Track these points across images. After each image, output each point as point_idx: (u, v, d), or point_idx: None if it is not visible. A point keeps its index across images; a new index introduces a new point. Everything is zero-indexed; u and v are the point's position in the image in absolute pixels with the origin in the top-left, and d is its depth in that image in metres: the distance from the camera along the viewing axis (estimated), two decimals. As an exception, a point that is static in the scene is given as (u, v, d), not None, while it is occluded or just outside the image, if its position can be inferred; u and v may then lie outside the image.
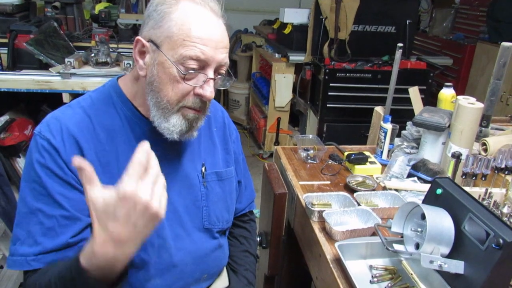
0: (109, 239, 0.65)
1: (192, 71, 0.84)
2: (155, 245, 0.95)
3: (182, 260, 0.99)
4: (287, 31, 3.43)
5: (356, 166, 1.45)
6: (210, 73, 0.86)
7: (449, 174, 1.28)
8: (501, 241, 0.78)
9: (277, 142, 3.64)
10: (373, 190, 1.31)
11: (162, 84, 0.85)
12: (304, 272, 1.37)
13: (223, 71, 0.90)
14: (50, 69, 2.45)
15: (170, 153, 0.97)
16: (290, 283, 1.60)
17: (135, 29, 3.05)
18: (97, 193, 0.65)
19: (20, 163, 2.85)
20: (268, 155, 3.77)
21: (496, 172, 1.25)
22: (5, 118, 2.76)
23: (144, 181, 0.65)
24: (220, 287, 1.13)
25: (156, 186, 0.66)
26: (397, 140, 1.63)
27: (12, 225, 1.95)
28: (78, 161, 0.66)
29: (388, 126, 1.52)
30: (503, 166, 1.23)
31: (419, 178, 1.38)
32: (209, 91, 0.86)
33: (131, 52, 0.91)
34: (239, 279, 1.15)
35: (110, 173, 0.89)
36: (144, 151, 0.66)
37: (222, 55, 0.87)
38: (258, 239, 1.41)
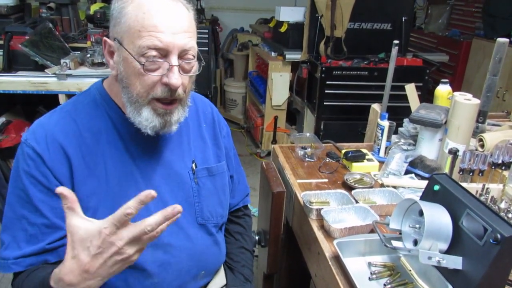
0: (77, 268, 0.68)
1: (153, 61, 0.82)
2: (149, 244, 0.94)
3: (178, 257, 0.99)
4: (283, 29, 3.43)
5: (354, 164, 1.45)
6: (174, 60, 0.83)
7: (446, 171, 1.29)
8: (499, 236, 0.78)
9: (274, 141, 3.64)
10: (371, 187, 1.32)
11: (129, 79, 0.85)
12: (303, 270, 1.37)
13: (189, 56, 0.87)
14: (46, 70, 2.44)
15: (157, 151, 0.97)
16: (289, 281, 1.61)
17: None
18: (78, 222, 0.68)
19: (17, 165, 2.84)
20: (266, 154, 3.77)
21: (493, 167, 1.25)
22: (1, 120, 2.75)
23: (128, 229, 0.67)
24: (218, 285, 1.13)
25: (138, 241, 0.68)
26: (394, 137, 1.64)
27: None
28: (60, 189, 0.67)
29: (385, 123, 1.53)
30: (500, 161, 1.24)
31: (417, 175, 1.38)
32: (173, 78, 0.83)
33: (103, 47, 0.91)
34: (235, 276, 1.15)
35: (97, 175, 0.90)
36: (139, 200, 0.66)
37: (183, 40, 0.84)
38: (256, 237, 1.41)
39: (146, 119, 0.87)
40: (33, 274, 0.85)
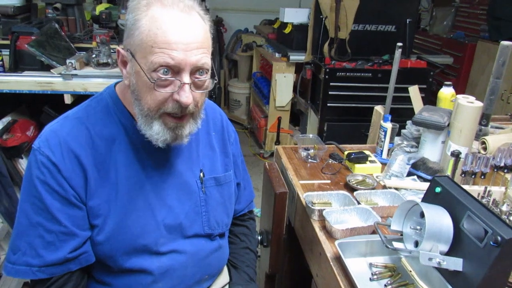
0: None
1: (164, 78, 0.81)
2: (154, 251, 0.96)
3: (183, 263, 1.00)
4: (287, 30, 3.44)
5: (356, 165, 1.46)
6: (185, 77, 0.82)
7: (449, 173, 1.29)
8: (499, 238, 0.79)
9: (277, 142, 3.64)
10: (373, 188, 1.32)
11: (141, 92, 0.84)
12: (304, 270, 1.38)
13: (202, 72, 0.86)
14: (51, 70, 2.46)
15: (168, 160, 0.97)
16: (291, 281, 1.62)
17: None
18: None
19: (22, 164, 2.86)
20: (269, 155, 3.78)
21: (495, 170, 1.26)
22: (7, 119, 2.77)
23: None
24: (221, 284, 1.14)
25: None
26: (397, 139, 1.64)
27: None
28: None
29: (388, 125, 1.53)
30: (502, 164, 1.24)
31: (419, 177, 1.39)
32: (184, 97, 0.82)
33: (116, 56, 0.90)
34: (240, 275, 1.16)
35: (109, 184, 0.90)
36: None
37: (196, 57, 0.82)
38: (259, 237, 1.42)
39: (157, 133, 0.86)
40: None
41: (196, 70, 0.84)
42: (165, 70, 0.81)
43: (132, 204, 0.92)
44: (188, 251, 1.00)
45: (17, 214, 0.89)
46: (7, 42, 2.63)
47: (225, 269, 1.18)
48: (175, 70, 0.82)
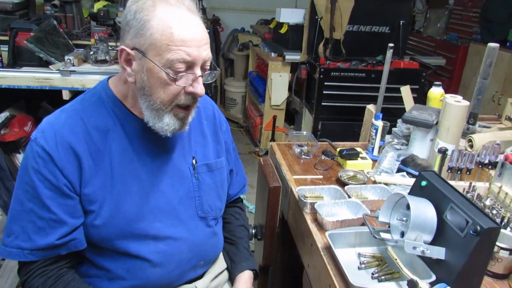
0: None
1: (182, 73, 0.89)
2: (151, 236, 1.00)
3: (179, 248, 1.04)
4: (283, 30, 3.48)
5: (348, 161, 1.50)
6: (198, 71, 0.91)
7: (436, 169, 1.34)
8: (478, 228, 0.84)
9: (273, 140, 3.69)
10: (364, 183, 1.37)
11: (153, 88, 0.90)
12: (296, 262, 1.42)
13: (207, 65, 0.94)
14: (50, 66, 2.49)
15: (162, 148, 1.03)
16: (283, 273, 1.66)
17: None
18: None
19: (20, 158, 2.89)
20: (264, 153, 3.83)
21: (480, 167, 1.31)
22: (5, 114, 2.80)
23: None
24: (217, 271, 1.18)
25: None
26: (388, 137, 1.69)
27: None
28: None
29: (379, 123, 1.58)
30: (486, 161, 1.30)
31: (408, 173, 1.44)
32: (199, 88, 0.91)
33: (119, 55, 0.94)
34: (240, 251, 1.21)
35: (104, 171, 0.95)
36: None
37: (205, 52, 0.91)
38: (253, 231, 1.47)
39: (167, 124, 0.93)
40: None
41: (204, 63, 0.92)
42: (182, 66, 0.88)
43: (127, 190, 0.96)
44: (184, 237, 1.04)
45: (11, 199, 0.93)
46: (6, 38, 2.65)
47: (221, 257, 1.22)
48: (188, 65, 0.89)
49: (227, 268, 1.22)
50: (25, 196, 0.91)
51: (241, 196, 1.35)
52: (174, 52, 0.86)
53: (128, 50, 0.90)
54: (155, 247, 1.00)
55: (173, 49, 0.86)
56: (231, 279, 1.20)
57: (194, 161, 1.08)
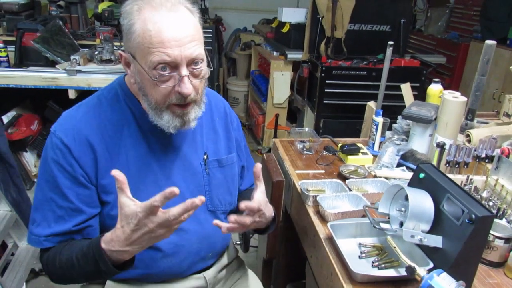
0: (122, 235, 0.84)
1: (165, 74, 0.89)
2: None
3: (189, 240, 1.08)
4: (285, 30, 3.52)
5: (349, 157, 1.54)
6: (183, 70, 0.90)
7: (434, 163, 1.38)
8: (473, 216, 0.88)
9: (275, 138, 3.72)
10: (364, 178, 1.41)
11: (146, 89, 0.94)
12: (299, 254, 1.47)
13: (198, 62, 0.93)
14: (57, 66, 2.53)
15: (174, 144, 1.07)
16: (287, 265, 1.70)
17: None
18: (125, 200, 0.82)
19: (27, 157, 2.94)
20: (267, 151, 3.86)
21: (477, 160, 1.35)
22: (12, 113, 2.85)
23: (157, 216, 0.81)
24: (225, 263, 1.23)
25: (167, 225, 0.82)
26: (388, 133, 1.73)
27: (23, 215, 2.05)
28: (114, 172, 0.81)
29: (379, 119, 1.62)
30: (483, 155, 1.33)
31: (408, 168, 1.48)
32: (184, 88, 0.91)
33: (119, 59, 0.99)
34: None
35: (120, 164, 0.99)
36: (164, 196, 0.79)
37: (189, 50, 0.89)
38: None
39: (167, 122, 0.96)
40: (73, 242, 0.97)
41: (191, 61, 0.92)
42: (163, 67, 0.89)
43: (142, 183, 1.00)
44: (194, 229, 1.08)
45: (35, 189, 0.99)
46: (12, 38, 2.70)
47: (229, 248, 1.26)
48: (172, 66, 0.90)
49: (228, 265, 1.25)
50: (46, 186, 0.96)
51: None
52: (154, 54, 0.88)
53: (124, 54, 0.96)
54: (168, 239, 1.04)
55: (153, 51, 0.88)
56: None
57: (205, 156, 1.12)
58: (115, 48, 2.73)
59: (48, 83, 2.49)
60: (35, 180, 2.98)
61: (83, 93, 2.47)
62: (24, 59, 2.64)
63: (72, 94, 2.51)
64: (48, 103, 2.83)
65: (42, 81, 2.49)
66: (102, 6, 3.14)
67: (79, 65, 2.52)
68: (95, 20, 3.31)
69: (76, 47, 2.79)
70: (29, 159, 2.95)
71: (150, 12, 0.89)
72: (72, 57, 2.50)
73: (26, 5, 3.06)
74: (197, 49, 0.92)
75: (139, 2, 0.91)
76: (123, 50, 0.98)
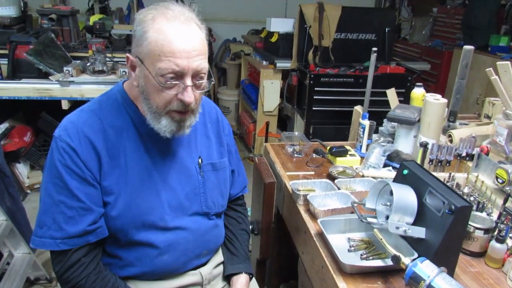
0: None
1: (171, 82, 0.95)
2: (160, 227, 1.09)
3: (185, 238, 1.13)
4: (273, 39, 3.61)
5: (338, 158, 1.60)
6: (188, 81, 0.97)
7: (418, 161, 1.44)
8: (453, 207, 0.94)
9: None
10: (353, 177, 1.47)
11: (149, 93, 0.99)
12: (291, 254, 1.51)
13: (202, 75, 0.99)
14: (50, 77, 2.57)
15: (171, 148, 1.12)
16: (279, 264, 1.75)
17: (128, 39, 3.19)
18: None
19: (20, 168, 2.96)
20: (258, 159, 3.91)
21: (458, 158, 1.41)
22: (5, 125, 2.87)
23: None
24: (219, 260, 1.27)
25: None
26: (375, 136, 1.80)
27: (18, 224, 2.07)
28: None
29: (366, 122, 1.69)
30: (464, 153, 1.40)
31: (394, 168, 1.54)
32: (187, 97, 0.97)
33: (126, 61, 1.05)
34: (239, 252, 1.28)
35: (120, 167, 1.04)
36: None
37: (196, 63, 0.96)
38: (250, 227, 1.55)
39: (164, 126, 1.01)
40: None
41: (196, 74, 0.99)
42: (172, 75, 0.96)
43: (140, 185, 1.05)
44: (189, 227, 1.13)
45: (41, 194, 1.02)
46: (5, 51, 2.73)
47: (220, 250, 1.30)
48: (178, 75, 0.97)
49: (223, 262, 1.29)
50: (54, 189, 0.99)
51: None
52: (164, 62, 0.94)
53: (132, 58, 1.01)
54: (163, 237, 1.09)
55: (163, 59, 0.94)
56: (225, 275, 1.26)
57: (200, 160, 1.17)
58: (107, 59, 2.77)
59: (41, 94, 2.52)
60: (29, 191, 2.99)
61: (76, 104, 2.51)
62: (17, 71, 2.67)
63: (65, 105, 2.54)
64: (41, 114, 2.85)
65: (36, 93, 2.52)
66: (93, 19, 3.19)
67: (72, 76, 2.56)
68: (86, 33, 3.36)
69: (69, 59, 2.83)
70: (22, 170, 2.96)
71: (164, 23, 0.95)
72: (65, 68, 2.54)
73: (18, 19, 3.10)
74: (203, 63, 0.99)
75: (153, 12, 0.97)
76: (129, 52, 1.03)
